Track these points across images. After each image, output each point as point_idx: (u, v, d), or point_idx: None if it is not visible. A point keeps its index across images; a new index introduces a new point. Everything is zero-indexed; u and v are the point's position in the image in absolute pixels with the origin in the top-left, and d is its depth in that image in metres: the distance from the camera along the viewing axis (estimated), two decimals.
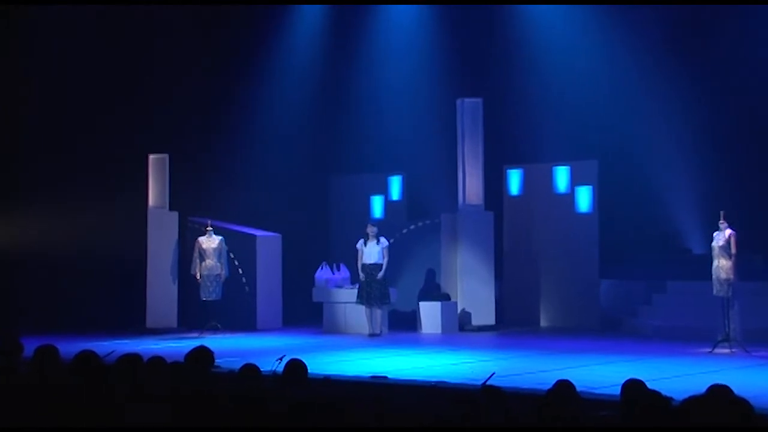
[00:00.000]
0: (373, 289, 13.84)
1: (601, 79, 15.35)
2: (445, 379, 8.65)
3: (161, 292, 15.01)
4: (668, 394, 4.47)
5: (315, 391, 5.52)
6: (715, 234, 11.74)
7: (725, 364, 10.29)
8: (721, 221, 11.67)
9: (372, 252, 13.90)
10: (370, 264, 13.89)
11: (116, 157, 15.53)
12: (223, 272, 14.46)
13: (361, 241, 14.03)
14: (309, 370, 5.60)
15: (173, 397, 4.90)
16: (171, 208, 15.31)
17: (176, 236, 15.31)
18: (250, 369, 5.50)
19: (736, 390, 4.03)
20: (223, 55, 16.50)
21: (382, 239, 14.00)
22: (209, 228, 14.58)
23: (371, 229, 14.00)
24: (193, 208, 15.75)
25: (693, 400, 3.47)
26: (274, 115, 16.96)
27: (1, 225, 15.32)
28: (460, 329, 14.36)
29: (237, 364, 5.82)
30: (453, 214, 14.98)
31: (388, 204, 16.91)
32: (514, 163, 15.97)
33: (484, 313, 14.56)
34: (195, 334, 14.04)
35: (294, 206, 16.97)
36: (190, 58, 15.99)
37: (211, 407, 4.74)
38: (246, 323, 14.91)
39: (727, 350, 11.27)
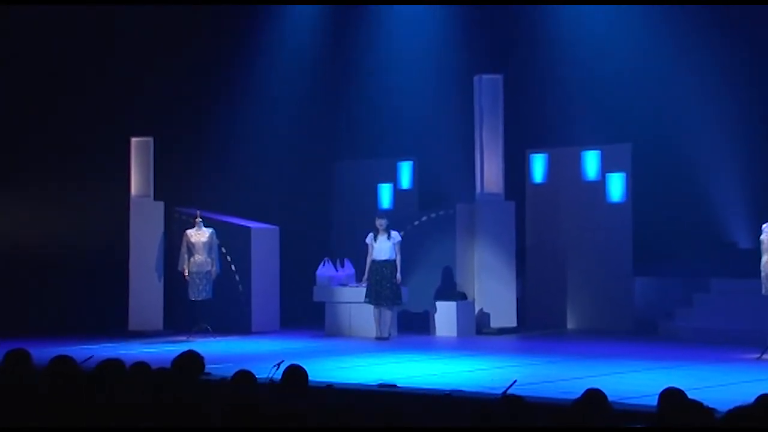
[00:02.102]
0: (383, 287, 13.84)
1: (636, 54, 15.28)
2: (461, 388, 8.66)
3: (145, 291, 15.03)
4: (711, 405, 4.46)
5: (316, 400, 5.52)
6: (764, 226, 11.69)
7: None
8: None
9: (383, 247, 13.90)
10: (381, 260, 13.89)
11: (94, 141, 15.53)
12: (214, 269, 14.48)
13: (371, 235, 14.03)
14: (310, 378, 5.61)
15: (158, 407, 4.91)
16: (156, 198, 15.33)
17: (162, 229, 15.34)
18: (244, 376, 5.50)
19: None
20: (216, 31, 16.46)
21: (394, 233, 14.01)
22: (199, 219, 14.59)
23: (380, 222, 14.00)
24: (180, 197, 15.76)
25: (739, 412, 3.46)
26: (272, 94, 16.94)
27: None
28: (477, 332, 14.36)
29: (230, 371, 5.82)
30: (470, 204, 14.96)
31: (398, 193, 16.89)
32: (538, 147, 15.93)
33: (504, 314, 14.55)
34: (183, 338, 14.07)
35: (293, 195, 16.97)
36: (178, 35, 15.95)
37: (201, 418, 4.75)
38: (239, 325, 14.93)
39: None
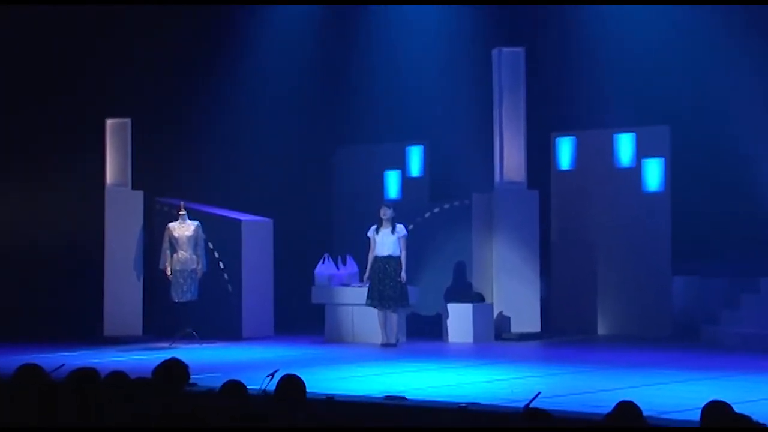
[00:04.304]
0: (387, 287, 13.85)
1: (676, 25, 15.22)
2: (478, 401, 8.67)
3: (122, 292, 15.05)
4: (760, 420, 4.46)
5: (315, 414, 5.53)
6: None
7: None
8: None
9: (386, 242, 13.90)
10: (383, 257, 13.89)
11: (65, 123, 15.54)
12: (200, 267, 14.49)
13: (373, 228, 14.03)
14: (308, 389, 5.62)
15: (137, 422, 4.92)
16: (134, 187, 15.34)
17: (141, 221, 15.35)
18: (234, 387, 5.51)
19: None
20: (206, 8, 16.36)
21: (399, 226, 13.99)
22: (182, 211, 14.60)
23: (384, 212, 13.99)
24: (162, 186, 15.77)
25: None
26: (266, 71, 16.91)
27: None
28: (496, 338, 14.37)
29: (218, 382, 5.83)
30: (487, 194, 14.96)
31: (406, 181, 16.88)
32: (565, 130, 15.92)
33: (526, 318, 14.56)
34: (165, 345, 14.10)
35: (289, 184, 16.97)
36: (166, 12, 15.86)
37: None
38: (229, 330, 14.96)
39: None
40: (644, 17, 15.34)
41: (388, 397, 8.92)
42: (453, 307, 14.49)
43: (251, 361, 12.27)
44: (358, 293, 14.30)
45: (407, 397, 8.94)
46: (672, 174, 15.07)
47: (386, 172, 17.01)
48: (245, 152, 16.74)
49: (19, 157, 15.57)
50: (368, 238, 14.06)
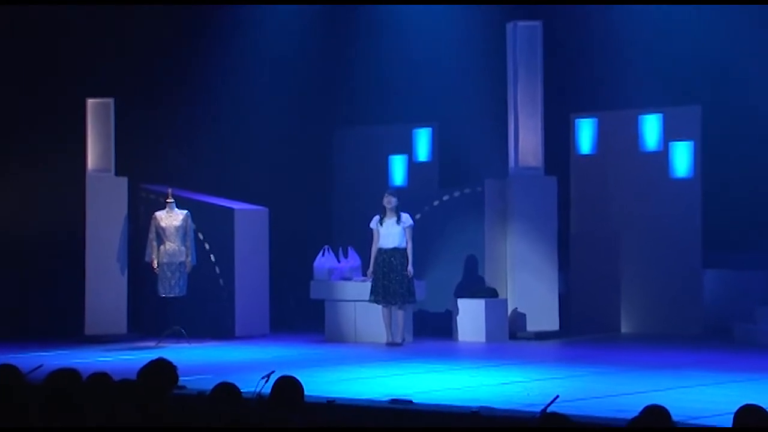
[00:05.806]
0: (392, 282, 13.86)
1: None
2: (491, 404, 8.68)
3: (105, 287, 15.07)
4: None
5: (314, 419, 5.54)
6: None
7: None
8: None
9: (391, 233, 13.91)
10: (388, 249, 13.90)
11: (42, 103, 15.53)
12: (189, 259, 14.51)
13: (377, 218, 14.03)
14: (306, 392, 5.63)
15: (121, 426, 4.93)
16: (118, 173, 15.35)
17: (125, 210, 15.36)
18: (227, 390, 5.52)
19: None
20: None
21: (405, 216, 14.00)
22: (170, 199, 14.61)
23: (389, 201, 13.99)
24: (148, 171, 15.78)
25: None
26: (260, 46, 16.89)
27: None
28: (510, 337, 14.40)
29: (209, 384, 5.84)
30: (502, 181, 14.96)
31: (413, 166, 16.89)
32: (586, 111, 15.91)
33: (543, 315, 14.57)
34: (151, 344, 14.13)
35: (285, 169, 16.97)
36: None
37: None
38: (221, 328, 14.98)
39: None
40: None
41: (393, 401, 8.94)
42: (464, 304, 14.50)
43: (245, 362, 12.31)
44: (360, 288, 14.32)
45: (414, 401, 8.96)
46: (702, 158, 15.06)
47: (391, 156, 17.01)
48: (238, 135, 16.74)
49: None
50: (371, 230, 14.07)
